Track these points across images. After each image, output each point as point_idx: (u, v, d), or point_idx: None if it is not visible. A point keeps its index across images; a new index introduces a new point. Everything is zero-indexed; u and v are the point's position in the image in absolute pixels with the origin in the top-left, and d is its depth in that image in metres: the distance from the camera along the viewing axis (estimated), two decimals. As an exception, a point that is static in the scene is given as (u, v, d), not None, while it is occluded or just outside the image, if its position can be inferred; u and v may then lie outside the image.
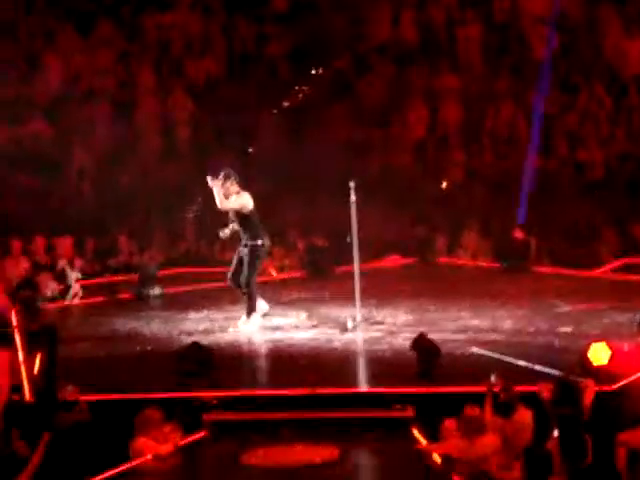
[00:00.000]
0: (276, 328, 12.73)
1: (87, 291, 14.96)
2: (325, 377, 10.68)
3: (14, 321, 12.54)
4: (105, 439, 9.48)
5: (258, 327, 12.61)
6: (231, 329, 12.59)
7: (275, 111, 18.71)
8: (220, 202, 12.42)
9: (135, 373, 11.20)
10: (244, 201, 12.49)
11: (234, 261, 12.69)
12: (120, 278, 15.74)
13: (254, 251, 12.51)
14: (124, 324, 13.27)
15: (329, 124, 18.22)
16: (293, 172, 17.38)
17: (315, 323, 12.90)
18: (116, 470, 9.10)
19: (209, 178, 12.47)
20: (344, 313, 12.98)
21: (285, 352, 11.75)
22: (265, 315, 12.88)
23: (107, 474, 9.03)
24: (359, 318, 12.49)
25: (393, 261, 16.62)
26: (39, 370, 10.76)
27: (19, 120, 17.82)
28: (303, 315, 13.19)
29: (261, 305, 12.84)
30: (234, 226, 12.62)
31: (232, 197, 12.49)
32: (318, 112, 18.38)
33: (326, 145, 18.02)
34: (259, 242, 12.52)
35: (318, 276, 15.89)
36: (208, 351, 10.97)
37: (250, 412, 10.08)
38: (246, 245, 12.53)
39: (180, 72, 18.85)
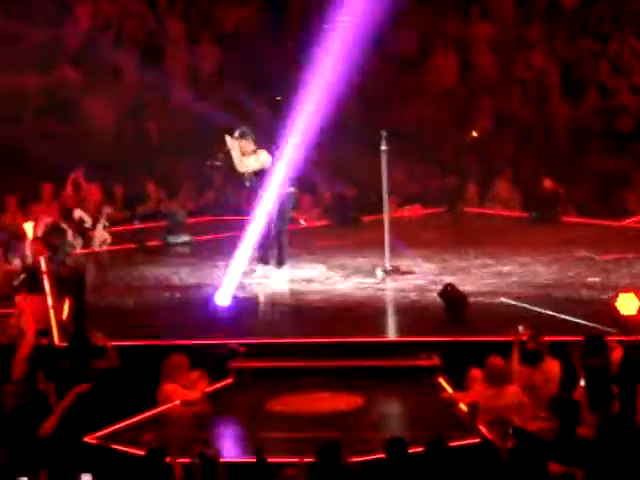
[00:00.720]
0: (304, 277, 12.73)
1: (116, 238, 15.00)
2: (353, 326, 10.71)
3: (43, 266, 12.64)
4: (134, 385, 9.54)
5: (288, 278, 12.58)
6: (259, 277, 12.59)
7: (301, 57, 18.55)
8: (238, 164, 12.40)
9: (163, 320, 11.25)
10: (262, 159, 12.44)
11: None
12: (149, 225, 15.76)
13: (284, 199, 12.47)
14: (152, 272, 13.32)
15: (357, 71, 18.07)
16: (321, 121, 17.26)
17: (343, 272, 12.89)
18: (145, 415, 9.18)
19: (227, 137, 12.44)
20: (372, 263, 12.98)
21: (313, 301, 11.76)
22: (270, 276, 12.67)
23: (136, 419, 9.11)
24: (387, 267, 12.47)
25: (415, 211, 16.52)
26: (68, 315, 10.85)
27: (48, 66, 17.80)
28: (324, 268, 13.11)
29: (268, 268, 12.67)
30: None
31: (251, 157, 12.45)
32: (347, 57, 18.20)
33: (354, 93, 17.89)
34: (291, 189, 12.51)
35: (345, 225, 15.86)
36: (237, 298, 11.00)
37: (276, 360, 10.11)
38: (277, 193, 12.45)
39: (209, 21, 18.74)
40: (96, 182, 15.79)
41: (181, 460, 7.98)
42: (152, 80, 17.76)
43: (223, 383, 9.85)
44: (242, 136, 12.45)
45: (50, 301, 11.37)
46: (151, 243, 14.88)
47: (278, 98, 18.14)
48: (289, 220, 12.92)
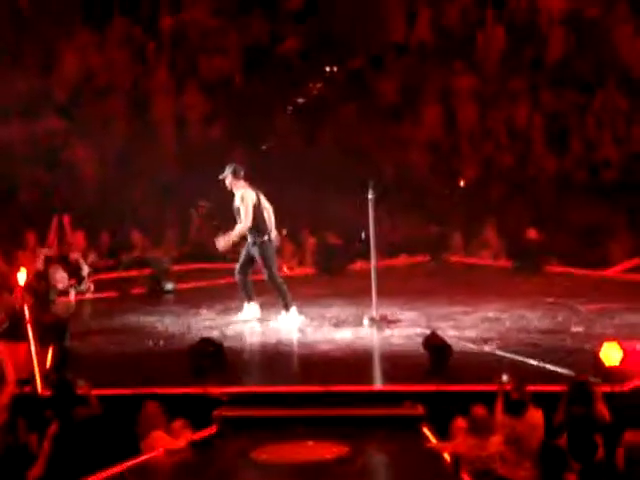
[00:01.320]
0: (289, 324, 12.72)
1: (100, 285, 14.98)
2: (337, 374, 10.69)
3: (27, 314, 12.60)
4: (116, 433, 9.49)
5: (297, 319, 12.67)
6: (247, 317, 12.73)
7: (289, 109, 18.71)
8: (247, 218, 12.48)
9: (146, 368, 11.21)
10: (245, 198, 12.52)
11: (242, 256, 12.77)
12: (133, 273, 15.75)
13: (263, 248, 12.56)
14: (136, 319, 13.29)
15: (343, 122, 18.21)
16: (306, 170, 17.39)
17: (328, 321, 12.89)
18: (128, 463, 9.12)
19: (221, 175, 12.59)
20: (356, 311, 12.99)
21: (297, 349, 11.75)
22: (255, 319, 12.82)
23: (119, 467, 9.05)
24: (375, 315, 12.48)
25: (402, 260, 16.59)
26: (51, 363, 10.80)
27: (34, 116, 17.86)
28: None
29: (253, 309, 12.84)
30: (234, 237, 12.66)
31: (238, 192, 12.57)
32: (332, 110, 18.37)
33: (340, 143, 18.03)
34: (265, 237, 12.56)
35: (329, 273, 15.89)
36: (219, 347, 10.98)
37: (260, 408, 10.08)
38: (254, 243, 12.57)
39: (195, 69, 18.87)
40: (81, 229, 15.80)
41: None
42: (139, 128, 17.85)
43: (207, 432, 9.80)
44: (231, 173, 12.61)
45: (33, 349, 11.33)
46: (135, 291, 14.87)
47: (263, 147, 18.26)
48: (276, 263, 12.92)
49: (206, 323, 12.95)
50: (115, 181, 17.50)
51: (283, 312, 12.70)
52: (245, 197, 12.54)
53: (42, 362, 10.90)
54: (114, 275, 15.78)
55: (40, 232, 15.62)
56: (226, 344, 11.31)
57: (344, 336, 12.18)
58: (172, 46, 19.04)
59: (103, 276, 15.49)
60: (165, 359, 11.51)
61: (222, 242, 12.75)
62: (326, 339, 12.07)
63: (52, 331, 11.41)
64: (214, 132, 18.37)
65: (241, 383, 10.62)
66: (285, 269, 16.12)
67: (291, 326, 12.56)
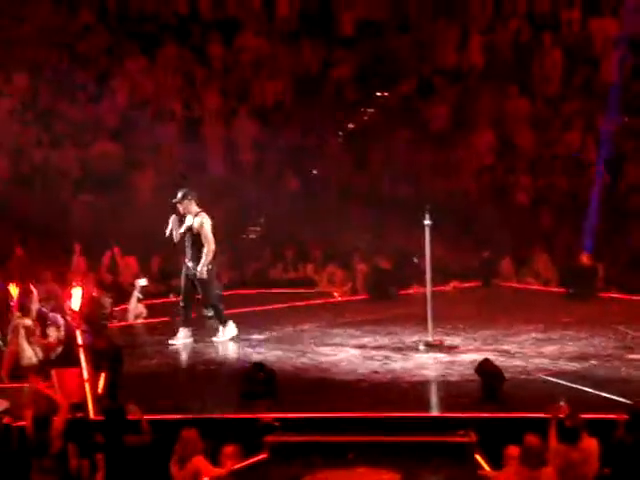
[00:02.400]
0: (342, 350, 12.67)
1: (151, 310, 15.03)
2: (390, 400, 10.63)
3: (79, 340, 12.66)
4: (166, 460, 9.48)
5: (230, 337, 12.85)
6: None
7: (340, 133, 18.73)
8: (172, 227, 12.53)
9: (198, 393, 11.21)
10: (201, 222, 12.55)
11: (183, 285, 12.83)
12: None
13: (208, 274, 12.61)
14: (188, 344, 13.29)
15: (394, 147, 18.19)
16: (357, 195, 17.38)
17: (382, 346, 12.83)
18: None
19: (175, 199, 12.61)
20: (410, 336, 12.93)
21: (349, 374, 11.69)
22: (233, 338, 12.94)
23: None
24: (430, 340, 12.42)
25: (454, 286, 16.49)
26: (103, 389, 10.83)
27: (87, 141, 18.04)
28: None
29: (231, 329, 12.96)
30: (207, 262, 12.60)
31: (188, 217, 12.60)
32: (383, 135, 18.36)
33: (391, 168, 17.99)
34: (209, 266, 12.59)
35: (382, 298, 15.82)
36: (271, 372, 10.95)
37: (312, 434, 10.04)
38: (194, 269, 12.59)
39: (246, 95, 18.95)
40: (133, 254, 15.88)
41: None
42: (190, 153, 17.95)
43: (258, 458, 9.77)
44: (185, 197, 12.63)
45: (86, 374, 11.37)
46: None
47: (314, 172, 18.29)
48: (216, 288, 12.95)
49: (256, 348, 12.93)
50: (166, 205, 17.57)
51: (220, 330, 12.87)
52: (204, 222, 12.58)
53: (94, 387, 10.93)
54: (165, 300, 15.82)
55: (93, 257, 15.74)
56: (278, 369, 11.27)
57: (397, 361, 12.10)
58: (224, 71, 19.15)
59: (154, 301, 15.54)
60: (217, 384, 11.51)
61: (203, 272, 12.65)
62: (379, 364, 12.00)
63: (105, 356, 11.45)
64: (265, 157, 18.42)
65: (293, 409, 10.57)
66: (336, 295, 16.10)
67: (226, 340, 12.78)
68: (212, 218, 12.81)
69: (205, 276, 12.65)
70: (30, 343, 12.71)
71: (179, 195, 12.70)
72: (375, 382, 11.35)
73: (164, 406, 10.55)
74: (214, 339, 12.96)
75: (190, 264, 12.63)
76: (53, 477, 8.89)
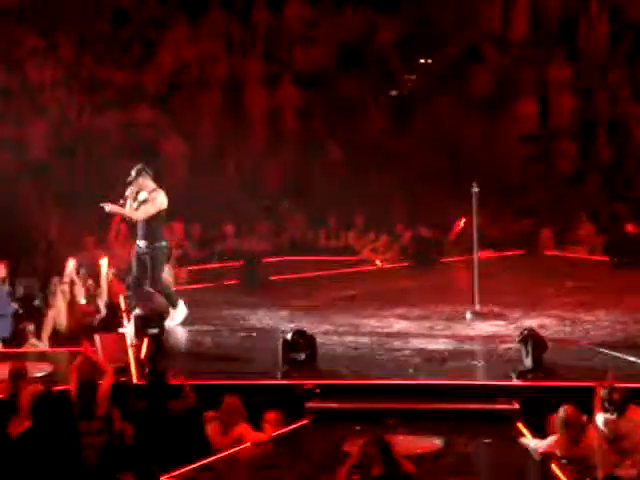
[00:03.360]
0: (384, 318, 12.65)
1: (193, 276, 15.07)
2: (432, 367, 10.61)
3: (122, 305, 12.74)
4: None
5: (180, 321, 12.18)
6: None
7: (383, 100, 18.63)
8: (132, 214, 11.79)
9: (240, 359, 11.24)
10: (158, 202, 11.78)
11: (134, 264, 12.00)
12: (226, 265, 15.82)
13: (157, 254, 11.85)
14: (229, 310, 13.33)
15: (438, 115, 18.07)
16: (400, 162, 17.30)
17: (425, 315, 12.79)
18: (215, 457, 9.14)
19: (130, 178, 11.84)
20: (453, 304, 12.88)
21: (391, 342, 11.67)
22: (185, 320, 12.26)
23: (205, 460, 9.06)
24: (476, 309, 12.36)
25: (497, 254, 16.38)
26: (146, 354, 10.88)
27: (130, 108, 18.05)
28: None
29: (181, 311, 12.30)
30: (120, 211, 11.85)
31: (142, 193, 11.80)
32: (426, 101, 18.24)
33: (434, 136, 17.88)
34: (163, 243, 11.88)
35: (424, 266, 15.76)
36: (312, 339, 10.95)
37: (353, 401, 10.03)
38: (148, 247, 11.82)
39: (289, 62, 18.87)
40: (178, 220, 15.90)
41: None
42: (231, 121, 17.93)
43: (299, 424, 9.78)
44: (139, 174, 11.80)
45: (129, 340, 11.44)
46: (228, 282, 14.92)
47: (357, 139, 18.20)
48: (163, 270, 12.19)
49: (297, 315, 12.93)
50: (208, 172, 17.60)
51: (172, 313, 12.18)
52: (157, 199, 11.75)
53: (137, 352, 10.99)
54: (207, 266, 15.86)
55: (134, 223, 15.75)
56: (319, 336, 11.27)
57: (442, 329, 12.07)
58: (267, 38, 19.07)
59: (196, 267, 15.58)
60: (258, 350, 11.53)
61: (111, 206, 11.77)
62: (423, 332, 11.98)
63: (148, 321, 11.50)
64: (308, 125, 18.36)
65: (333, 376, 10.57)
66: (378, 262, 16.07)
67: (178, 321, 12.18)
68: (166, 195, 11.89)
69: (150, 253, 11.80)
70: (70, 308, 12.82)
71: (133, 173, 11.77)
72: (418, 349, 11.32)
73: (206, 372, 10.59)
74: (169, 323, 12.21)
75: (141, 243, 11.85)
76: (101, 438, 8.96)
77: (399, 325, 12.38)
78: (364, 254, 16.50)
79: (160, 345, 11.16)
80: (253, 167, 17.84)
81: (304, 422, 9.82)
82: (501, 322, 12.31)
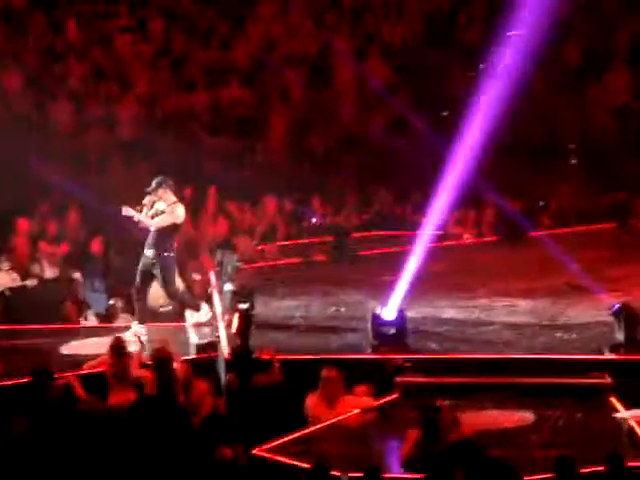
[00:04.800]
0: (471, 292, 12.60)
1: (283, 252, 15.16)
2: (522, 341, 10.56)
3: (213, 281, 12.87)
4: (297, 398, 9.59)
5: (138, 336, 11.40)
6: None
7: (470, 74, 18.46)
8: (148, 222, 11.38)
9: (328, 334, 11.30)
10: (173, 212, 11.36)
11: (138, 274, 11.47)
12: (315, 240, 15.87)
13: (167, 264, 11.40)
14: (318, 286, 13.38)
15: (527, 86, 17.84)
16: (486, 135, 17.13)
17: (513, 286, 12.70)
18: (309, 429, 9.22)
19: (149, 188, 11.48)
20: (542, 278, 12.77)
21: (479, 317, 11.63)
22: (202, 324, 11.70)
23: (297, 433, 9.14)
24: (570, 282, 12.27)
25: (589, 227, 16.18)
26: (237, 329, 10.98)
27: (219, 85, 18.17)
28: None
29: (204, 312, 11.75)
30: (138, 216, 11.46)
31: (161, 204, 11.40)
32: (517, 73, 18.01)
33: (524, 107, 17.68)
34: (165, 254, 11.39)
35: (512, 240, 15.64)
36: (402, 313, 10.94)
37: (443, 375, 10.03)
38: (155, 257, 11.39)
39: (376, 37, 18.81)
40: (272, 195, 16.00)
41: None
42: (319, 97, 17.94)
43: (389, 398, 9.81)
44: (159, 185, 11.44)
45: (220, 315, 11.56)
46: (318, 257, 14.97)
47: (444, 114, 18.09)
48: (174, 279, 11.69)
49: (386, 290, 12.92)
50: (296, 148, 17.66)
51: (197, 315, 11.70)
52: (175, 212, 11.37)
53: (228, 327, 11.11)
54: (297, 242, 15.93)
55: (225, 199, 15.91)
56: (408, 310, 11.26)
57: (534, 302, 11.97)
58: (354, 13, 19.02)
59: (285, 243, 15.66)
60: (347, 326, 11.57)
61: (130, 210, 11.42)
62: (512, 306, 11.91)
63: (238, 297, 11.61)
64: (395, 100, 18.29)
65: (423, 350, 10.57)
66: (465, 237, 15.99)
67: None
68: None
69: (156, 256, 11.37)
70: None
71: (153, 184, 11.47)
72: (507, 324, 11.27)
73: (295, 347, 10.67)
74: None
75: (149, 252, 11.43)
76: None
77: (487, 299, 12.32)
78: (451, 228, 16.42)
79: (250, 320, 11.27)
80: (340, 143, 17.84)
81: (394, 396, 9.84)
82: (594, 294, 12.15)
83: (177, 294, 11.68)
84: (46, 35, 17.85)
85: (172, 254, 11.48)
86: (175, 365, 9.62)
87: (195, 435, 8.68)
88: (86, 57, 17.74)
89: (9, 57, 16.95)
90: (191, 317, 11.63)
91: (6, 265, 13.34)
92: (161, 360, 9.51)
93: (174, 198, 11.50)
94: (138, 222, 11.46)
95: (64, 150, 16.29)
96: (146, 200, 11.47)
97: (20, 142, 15.76)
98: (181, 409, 8.99)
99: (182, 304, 11.78)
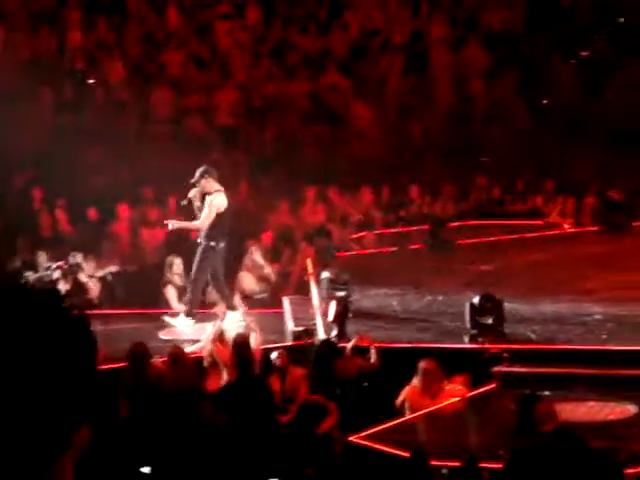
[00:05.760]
0: (572, 282, 12.41)
1: (380, 240, 15.12)
2: (621, 334, 10.38)
3: (310, 268, 12.90)
4: (395, 385, 9.55)
5: (184, 332, 11.39)
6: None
7: (572, 62, 18.19)
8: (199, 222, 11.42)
9: (425, 323, 11.24)
10: (212, 202, 11.34)
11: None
12: (412, 229, 15.80)
13: (205, 251, 11.42)
14: (413, 274, 13.32)
15: (629, 74, 17.53)
16: (589, 125, 16.87)
17: (614, 277, 12.48)
18: (405, 418, 9.19)
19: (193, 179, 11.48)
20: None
21: (580, 307, 11.45)
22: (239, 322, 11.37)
23: (394, 421, 9.11)
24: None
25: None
26: (334, 316, 10.98)
27: (317, 73, 18.17)
28: None
29: (235, 315, 11.62)
30: (183, 226, 11.70)
31: (209, 195, 11.39)
32: (618, 62, 17.71)
33: (625, 97, 17.36)
34: (212, 243, 11.39)
35: (613, 230, 15.38)
36: (499, 303, 10.85)
37: (541, 366, 9.91)
38: (199, 243, 11.48)
39: (475, 23, 18.63)
40: (366, 185, 15.97)
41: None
42: (416, 84, 17.84)
43: (486, 388, 9.73)
44: (202, 175, 11.39)
45: (316, 302, 11.58)
46: (414, 246, 14.91)
47: (545, 101, 17.86)
48: (206, 272, 11.56)
49: (484, 279, 12.82)
50: (393, 136, 17.58)
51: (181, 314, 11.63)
52: (213, 202, 11.34)
53: (324, 314, 11.12)
54: (394, 230, 15.86)
55: (321, 187, 15.91)
56: (505, 300, 11.14)
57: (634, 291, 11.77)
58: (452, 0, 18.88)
59: (383, 230, 15.61)
60: (444, 314, 11.50)
61: (174, 223, 11.71)
62: (613, 297, 11.70)
63: (334, 285, 11.60)
64: (495, 87, 18.10)
65: (521, 340, 10.46)
66: (566, 226, 15.79)
67: (179, 331, 11.43)
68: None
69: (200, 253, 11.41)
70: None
71: (197, 174, 11.41)
72: (608, 315, 11.08)
73: (392, 335, 10.64)
74: (168, 320, 11.66)
75: (201, 240, 11.47)
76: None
77: (587, 288, 12.12)
78: (552, 218, 16.22)
79: (347, 308, 11.27)
80: (438, 130, 17.71)
81: (492, 386, 9.76)
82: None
83: (197, 283, 11.52)
84: (148, 23, 18.05)
85: (222, 244, 11.40)
86: (253, 347, 9.72)
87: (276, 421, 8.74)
88: (186, 45, 17.88)
89: (112, 46, 17.17)
90: (223, 317, 11.30)
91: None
92: (241, 346, 9.60)
93: (217, 187, 11.44)
94: (188, 229, 11.40)
95: (163, 136, 16.45)
96: (191, 193, 11.46)
97: (120, 128, 15.97)
98: (266, 391, 9.04)
99: (222, 298, 11.66)
